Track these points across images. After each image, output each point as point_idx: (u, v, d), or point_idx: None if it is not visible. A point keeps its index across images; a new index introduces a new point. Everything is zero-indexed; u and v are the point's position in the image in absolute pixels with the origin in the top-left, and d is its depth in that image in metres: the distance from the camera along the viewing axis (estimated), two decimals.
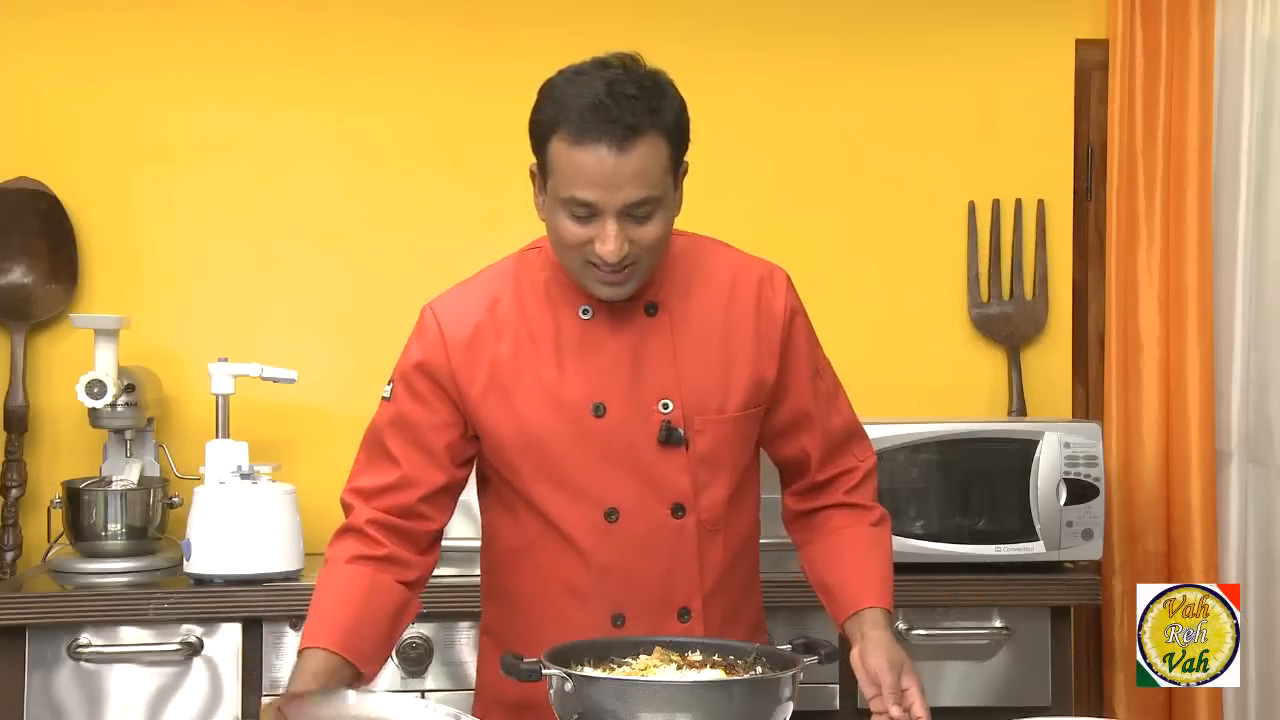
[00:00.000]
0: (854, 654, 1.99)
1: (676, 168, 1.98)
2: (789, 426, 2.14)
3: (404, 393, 2.09)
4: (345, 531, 2.09)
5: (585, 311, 2.05)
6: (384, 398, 2.12)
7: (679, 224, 2.10)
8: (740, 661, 1.86)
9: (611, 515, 2.04)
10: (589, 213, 1.92)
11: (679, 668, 1.82)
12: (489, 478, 2.14)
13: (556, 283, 2.06)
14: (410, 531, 2.08)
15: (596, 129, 1.88)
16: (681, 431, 2.03)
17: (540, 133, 1.95)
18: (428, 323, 2.10)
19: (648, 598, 2.04)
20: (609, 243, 1.92)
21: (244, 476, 3.09)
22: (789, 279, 2.15)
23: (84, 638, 2.95)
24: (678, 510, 2.05)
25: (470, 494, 2.18)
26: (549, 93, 1.95)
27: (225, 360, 3.26)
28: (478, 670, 2.25)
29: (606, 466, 2.03)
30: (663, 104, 1.93)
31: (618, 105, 1.88)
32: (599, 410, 2.03)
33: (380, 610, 2.03)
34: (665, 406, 2.04)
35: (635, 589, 2.04)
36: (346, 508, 2.12)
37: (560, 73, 1.96)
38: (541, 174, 1.98)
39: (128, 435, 3.29)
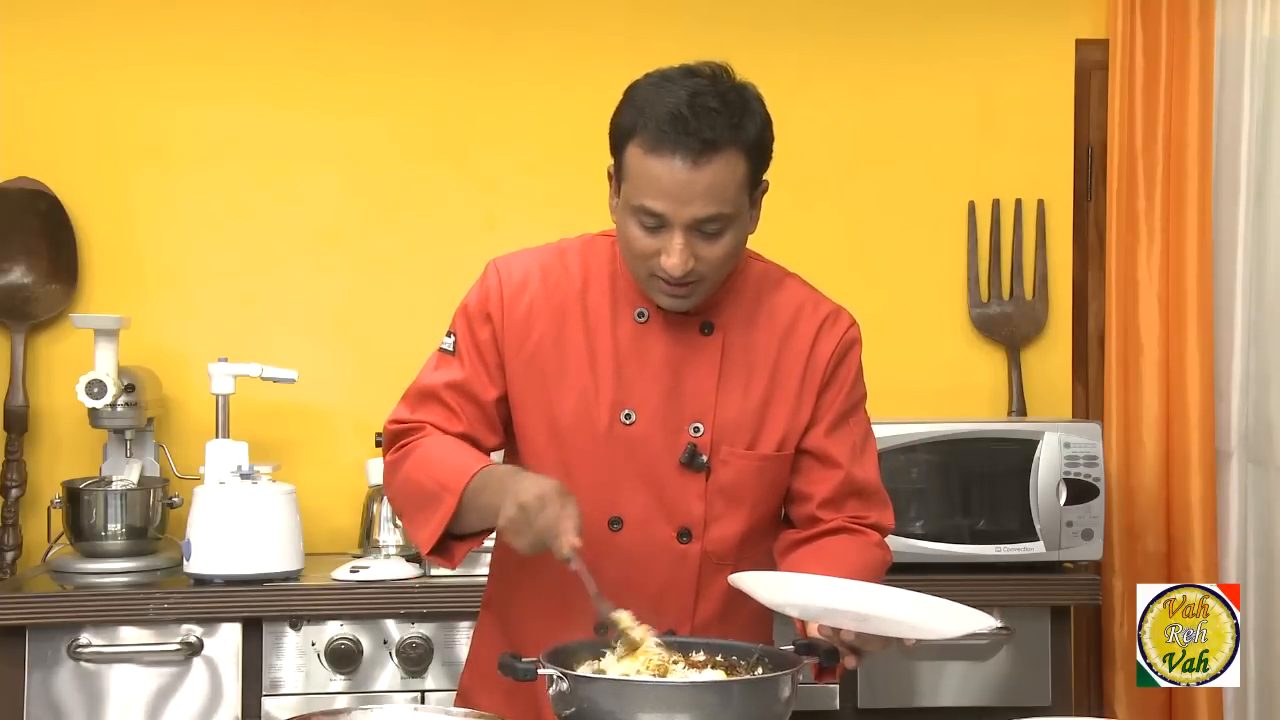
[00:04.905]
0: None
1: (754, 186, 1.95)
2: (807, 460, 2.07)
3: (466, 340, 2.05)
4: (424, 439, 2.02)
5: (641, 315, 2.03)
6: (443, 350, 2.07)
7: (767, 251, 2.10)
8: (743, 662, 1.86)
9: (615, 524, 2.03)
10: (658, 223, 1.90)
11: (683, 667, 1.82)
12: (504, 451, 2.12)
13: (622, 278, 2.04)
14: None
15: (673, 140, 1.86)
16: (705, 458, 2.01)
17: (619, 136, 1.93)
18: (490, 275, 2.07)
19: (635, 612, 1.97)
20: (673, 256, 1.90)
21: (244, 476, 3.09)
22: (852, 324, 2.10)
23: (84, 638, 2.95)
24: (684, 535, 2.03)
25: None
26: (631, 96, 1.93)
27: (225, 360, 3.26)
28: (473, 640, 2.24)
29: (622, 475, 2.01)
30: (745, 120, 1.89)
31: (697, 118, 1.85)
32: (628, 417, 2.01)
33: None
34: (696, 429, 2.01)
35: (624, 601, 1.98)
36: (407, 430, 2.04)
37: (647, 76, 1.94)
38: (617, 177, 1.96)
39: (128, 435, 3.29)
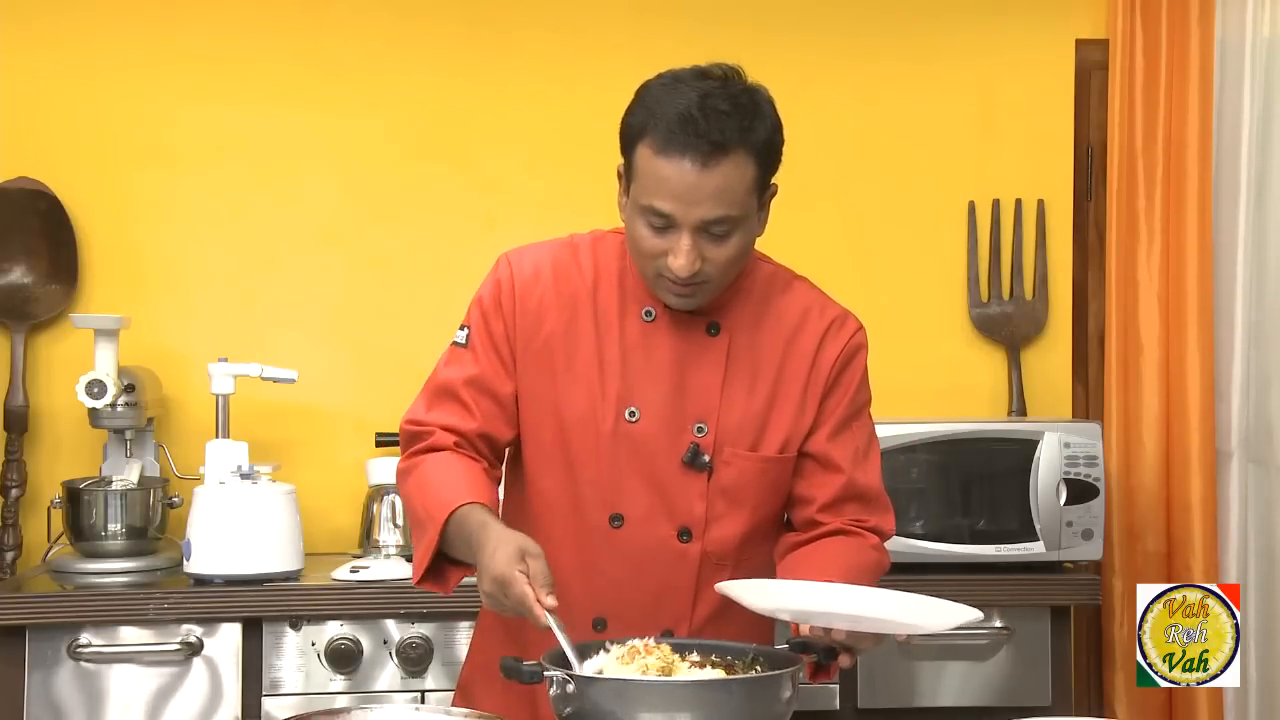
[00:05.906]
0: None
1: (763, 189, 1.95)
2: (809, 464, 2.07)
3: (481, 334, 2.05)
4: (431, 449, 2.02)
5: (648, 314, 2.03)
6: (457, 343, 2.07)
7: (767, 251, 2.09)
8: (739, 662, 1.86)
9: (616, 521, 2.02)
10: (666, 224, 1.91)
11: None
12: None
13: (631, 276, 2.04)
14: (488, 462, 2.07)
15: (682, 141, 1.86)
16: (708, 458, 2.01)
17: (629, 135, 1.93)
18: (501, 268, 2.07)
19: (634, 610, 2.02)
20: (681, 257, 1.90)
21: (244, 476, 3.09)
22: (858, 329, 2.10)
23: (84, 638, 2.95)
24: (684, 534, 2.03)
25: None
26: (643, 96, 1.93)
27: (225, 360, 3.26)
28: (474, 634, 2.24)
29: (624, 472, 2.01)
30: (755, 123, 1.90)
31: (707, 120, 1.86)
32: (633, 415, 2.01)
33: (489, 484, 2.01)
34: (700, 429, 2.01)
35: (622, 598, 2.02)
36: (420, 433, 2.04)
37: (659, 76, 1.94)
38: (626, 176, 1.97)
39: (128, 435, 3.29)
